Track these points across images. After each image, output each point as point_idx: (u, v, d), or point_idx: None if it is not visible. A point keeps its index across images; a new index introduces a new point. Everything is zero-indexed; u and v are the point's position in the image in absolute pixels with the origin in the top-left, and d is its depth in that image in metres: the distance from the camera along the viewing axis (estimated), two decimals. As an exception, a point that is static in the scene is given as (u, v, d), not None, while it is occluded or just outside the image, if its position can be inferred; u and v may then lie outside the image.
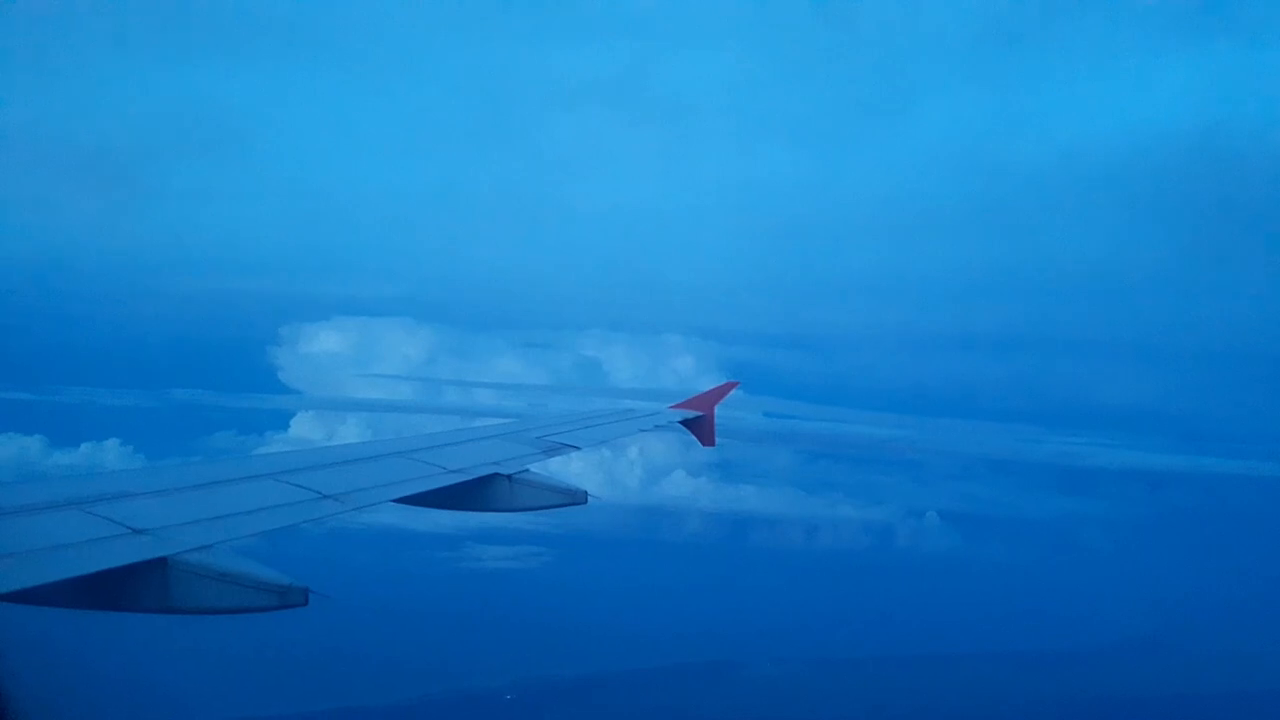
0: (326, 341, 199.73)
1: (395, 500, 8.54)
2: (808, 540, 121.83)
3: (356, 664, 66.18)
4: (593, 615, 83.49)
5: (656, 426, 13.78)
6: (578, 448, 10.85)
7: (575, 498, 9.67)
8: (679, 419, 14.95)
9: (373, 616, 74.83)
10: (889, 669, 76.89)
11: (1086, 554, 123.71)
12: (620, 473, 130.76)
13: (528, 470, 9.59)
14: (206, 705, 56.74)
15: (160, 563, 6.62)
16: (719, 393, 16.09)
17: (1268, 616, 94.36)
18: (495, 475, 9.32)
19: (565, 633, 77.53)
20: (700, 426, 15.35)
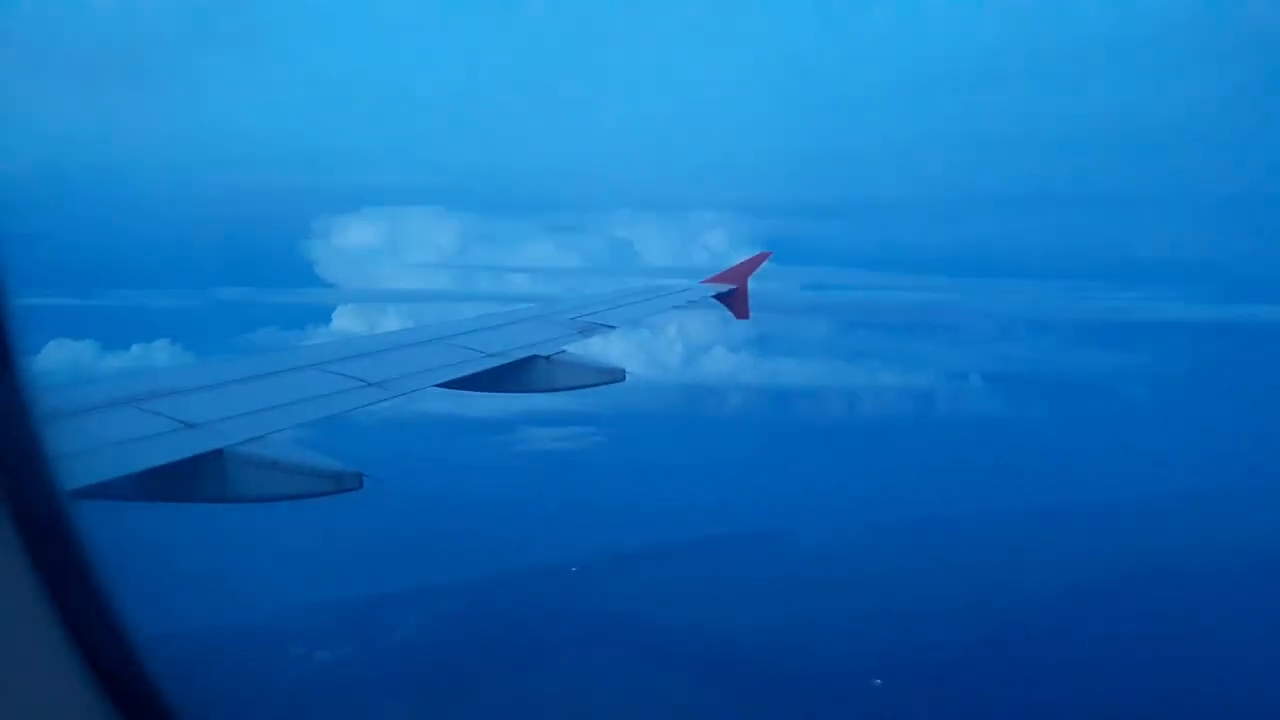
0: (359, 234, 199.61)
1: (437, 385, 8.70)
2: (850, 409, 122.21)
3: (423, 545, 68.50)
4: (646, 490, 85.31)
5: (690, 302, 13.78)
6: (613, 327, 10.95)
7: (613, 376, 9.80)
8: (712, 293, 14.86)
9: (434, 500, 77.07)
10: (937, 530, 78.00)
11: (1132, 409, 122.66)
12: (661, 351, 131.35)
13: (564, 351, 9.71)
14: (283, 588, 59.47)
15: (216, 454, 6.80)
16: (751, 265, 15.92)
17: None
18: (534, 357, 9.45)
19: (621, 507, 79.42)
20: (734, 300, 15.23)
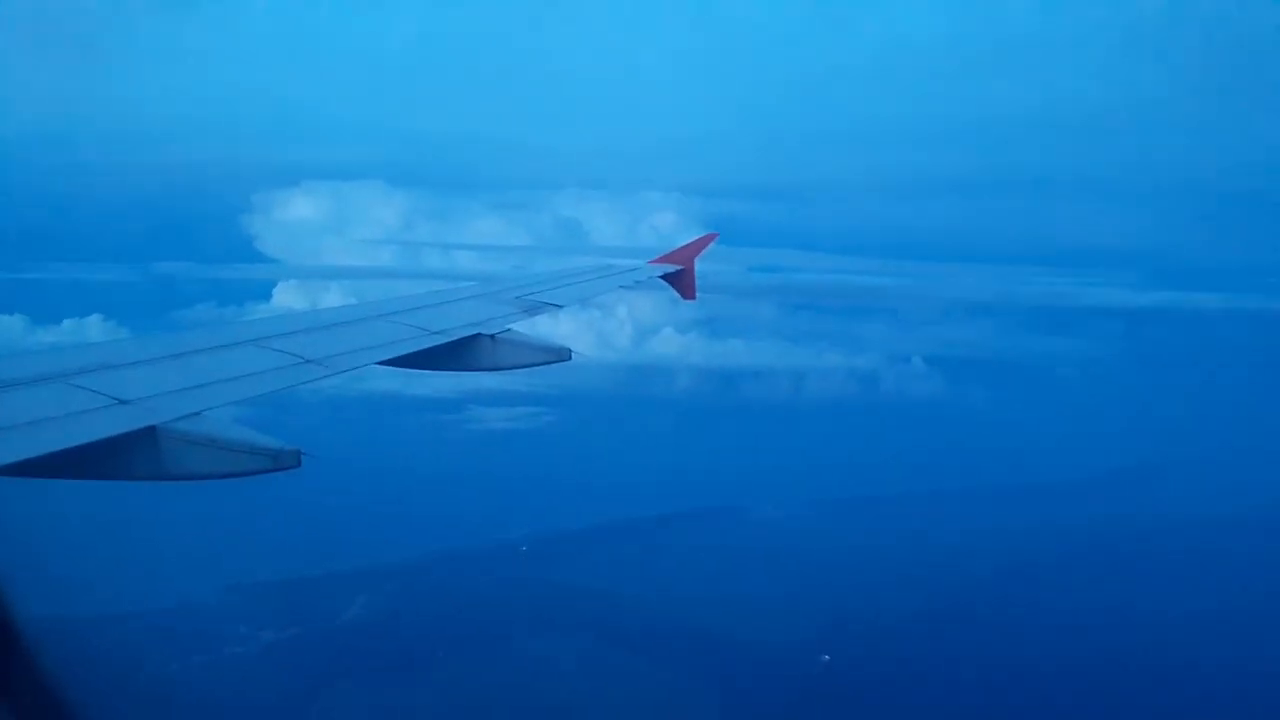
0: (300, 208, 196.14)
1: (379, 363, 8.56)
2: (797, 390, 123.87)
3: (373, 525, 67.99)
4: (597, 469, 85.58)
5: (637, 283, 13.75)
6: (559, 306, 10.89)
7: (559, 355, 9.73)
8: (659, 274, 14.88)
9: (384, 479, 76.55)
10: (886, 507, 79.35)
11: (1069, 391, 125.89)
12: (611, 332, 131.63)
13: (510, 330, 9.63)
14: (227, 568, 58.68)
15: (149, 431, 6.64)
16: (698, 246, 15.98)
17: (1245, 445, 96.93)
18: (478, 335, 9.35)
19: (572, 487, 79.59)
20: (681, 280, 15.30)
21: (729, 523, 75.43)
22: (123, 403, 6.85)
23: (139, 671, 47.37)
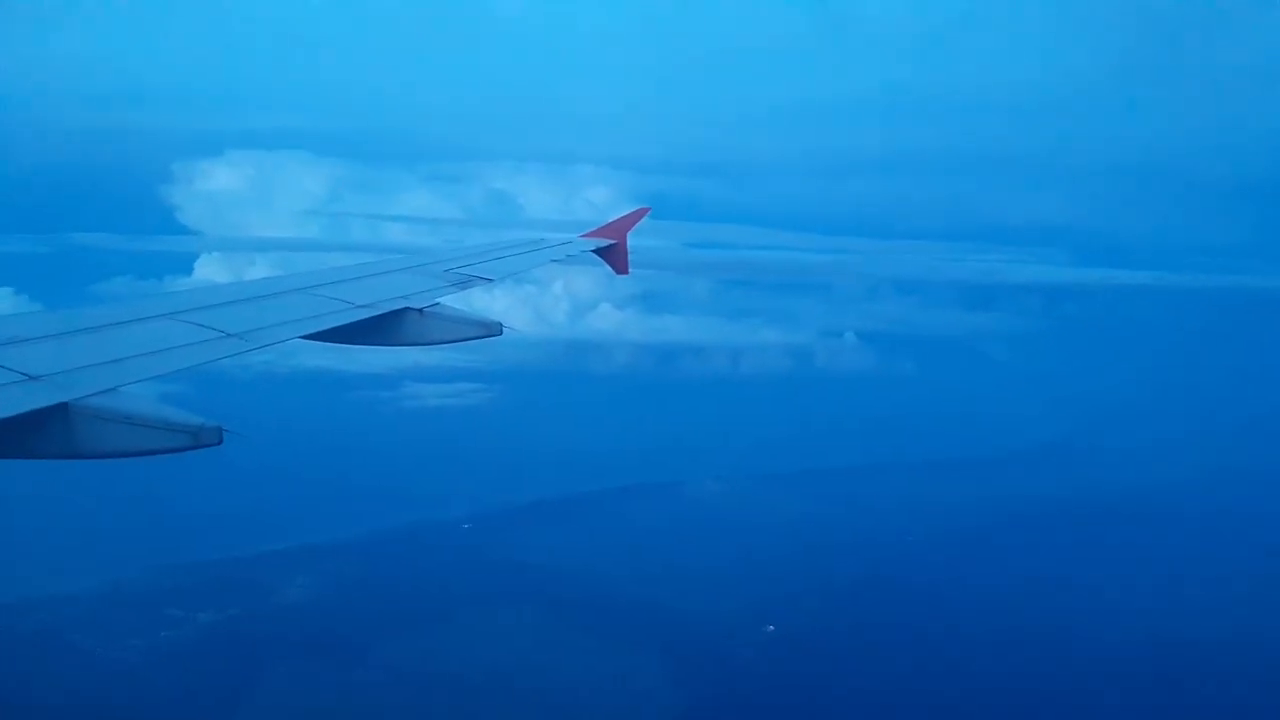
0: (223, 178, 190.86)
1: (303, 337, 8.39)
2: (734, 365, 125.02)
3: (309, 503, 67.08)
4: (537, 446, 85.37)
5: (568, 256, 13.65)
6: (490, 280, 10.75)
7: (490, 329, 9.62)
8: (591, 248, 14.76)
9: (319, 457, 75.54)
10: (824, 480, 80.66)
11: (998, 366, 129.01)
12: (548, 308, 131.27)
13: (439, 303, 9.50)
14: (156, 549, 57.50)
15: (61, 408, 6.45)
16: (630, 220, 15.89)
17: (1165, 419, 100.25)
18: (406, 309, 9.21)
19: (513, 463, 79.40)
20: (613, 255, 15.22)
21: (671, 497, 75.98)
22: (32, 378, 6.64)
23: (74, 657, 46.38)
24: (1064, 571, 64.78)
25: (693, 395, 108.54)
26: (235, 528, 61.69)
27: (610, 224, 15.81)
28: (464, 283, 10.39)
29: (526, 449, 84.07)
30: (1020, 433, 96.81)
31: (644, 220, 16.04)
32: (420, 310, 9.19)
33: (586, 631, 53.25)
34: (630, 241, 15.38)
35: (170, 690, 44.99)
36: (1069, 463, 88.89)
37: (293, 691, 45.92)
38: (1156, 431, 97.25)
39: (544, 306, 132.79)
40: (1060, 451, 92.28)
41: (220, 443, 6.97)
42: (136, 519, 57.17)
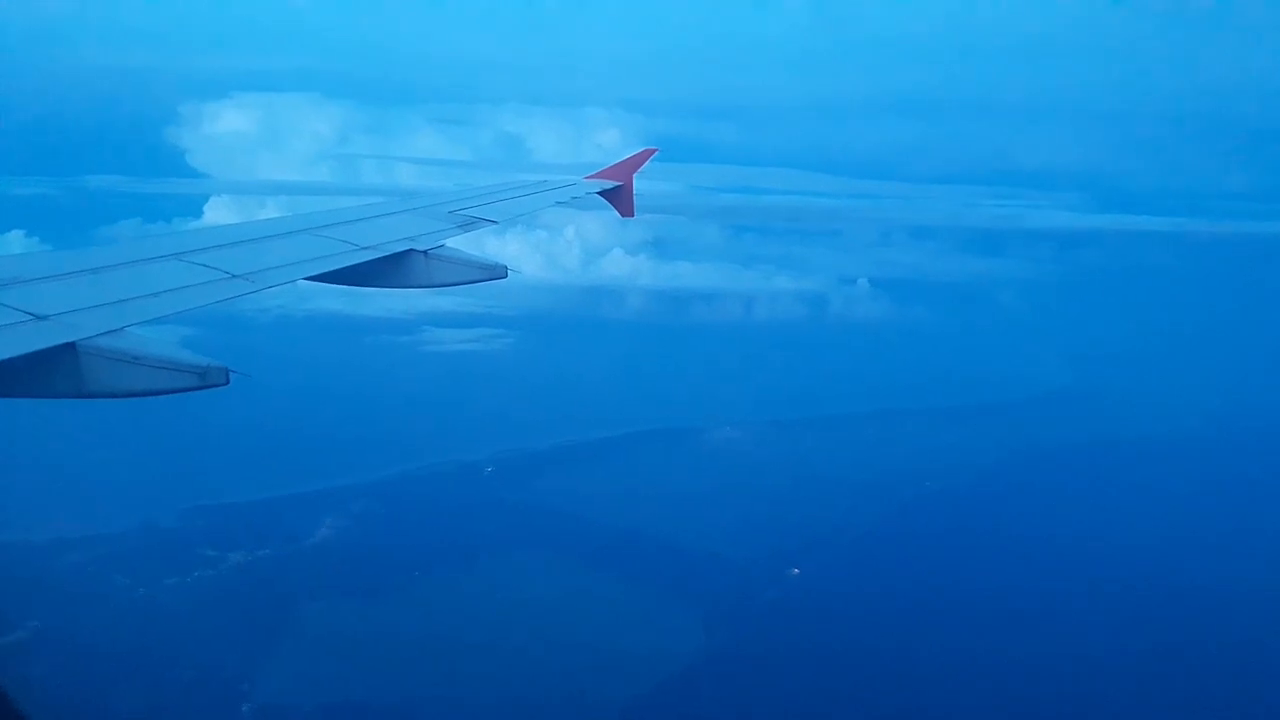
0: (231, 120, 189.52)
1: (308, 278, 8.44)
2: (748, 311, 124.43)
3: (335, 446, 67.85)
4: (556, 391, 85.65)
5: (573, 198, 13.55)
6: (494, 222, 10.72)
7: (494, 272, 9.61)
8: (596, 189, 14.60)
9: (342, 400, 76.27)
10: (839, 426, 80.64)
11: (1013, 313, 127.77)
12: (561, 254, 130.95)
13: (443, 245, 9.50)
14: (185, 491, 58.50)
15: (69, 348, 6.54)
16: (636, 161, 15.68)
17: (1182, 367, 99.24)
18: (410, 251, 9.23)
19: (533, 408, 79.76)
20: (618, 197, 15.05)
21: (689, 443, 76.25)
22: (39, 318, 6.73)
23: (111, 596, 47.53)
24: (1080, 516, 64.93)
25: (707, 341, 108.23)
26: (261, 470, 62.58)
27: (616, 165, 15.64)
28: (469, 224, 10.38)
29: (545, 394, 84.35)
30: (1036, 380, 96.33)
31: (655, 163, 15.85)
32: (425, 252, 9.21)
33: (611, 573, 53.94)
34: (639, 185, 15.22)
35: (208, 626, 46.16)
36: (1085, 409, 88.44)
37: (324, 628, 47.07)
38: (1174, 379, 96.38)
39: (557, 252, 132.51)
40: (1076, 398, 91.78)
41: (227, 383, 7.05)
42: (165, 462, 58.07)
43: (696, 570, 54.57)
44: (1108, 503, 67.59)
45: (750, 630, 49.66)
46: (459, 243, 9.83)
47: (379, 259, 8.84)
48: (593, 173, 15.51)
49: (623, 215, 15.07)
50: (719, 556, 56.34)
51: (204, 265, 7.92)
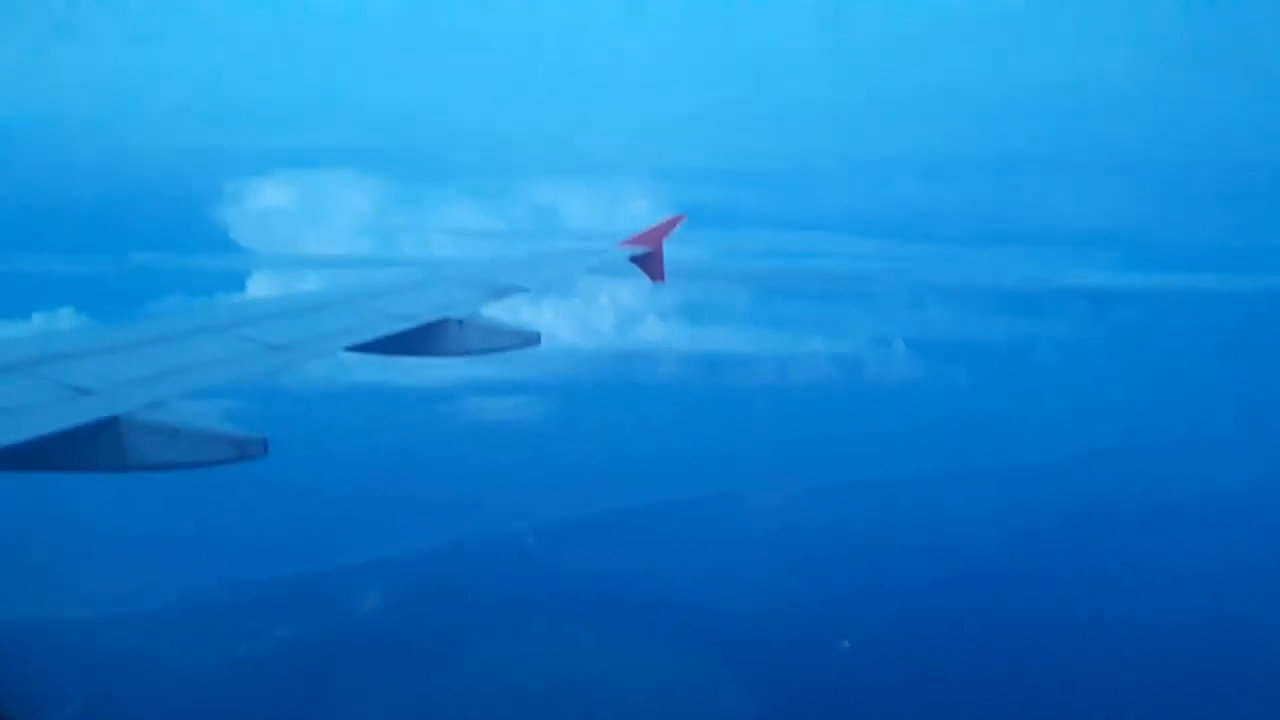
0: (274, 197, 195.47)
1: (346, 349, 8.60)
2: (783, 375, 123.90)
3: (377, 517, 68.16)
4: (595, 457, 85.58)
5: (604, 264, 13.71)
6: (527, 289, 10.89)
7: (528, 339, 9.75)
8: (627, 255, 14.77)
9: (384, 471, 76.76)
10: (882, 490, 79.58)
11: (1053, 373, 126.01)
12: (595, 321, 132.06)
13: (477, 314, 9.65)
14: (227, 563, 58.82)
15: (111, 421, 6.64)
16: (666, 227, 15.79)
17: (1226, 426, 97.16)
18: (446, 320, 9.38)
19: (573, 475, 79.64)
20: (649, 263, 15.13)
21: (730, 508, 75.52)
22: (83, 392, 6.86)
23: (158, 670, 47.69)
24: (1136, 576, 63.26)
25: (744, 405, 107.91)
26: (304, 542, 62.86)
27: (646, 231, 15.81)
28: (502, 292, 10.55)
29: (583, 460, 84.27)
30: (1080, 440, 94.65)
31: (685, 229, 16.01)
32: (459, 320, 9.35)
33: (655, 642, 53.16)
34: (670, 252, 15.38)
35: (256, 701, 46.03)
36: (1132, 470, 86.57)
37: (371, 702, 46.76)
38: (1221, 437, 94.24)
39: (592, 319, 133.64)
40: (1123, 458, 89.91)
41: (265, 454, 7.11)
42: (208, 536, 58.56)
43: (744, 641, 53.59)
44: (1166, 566, 65.75)
45: (803, 706, 48.57)
46: (493, 311, 9.98)
47: (415, 328, 9.00)
48: (623, 239, 15.71)
49: (654, 280, 15.22)
50: (766, 627, 55.34)
51: (243, 338, 8.10)
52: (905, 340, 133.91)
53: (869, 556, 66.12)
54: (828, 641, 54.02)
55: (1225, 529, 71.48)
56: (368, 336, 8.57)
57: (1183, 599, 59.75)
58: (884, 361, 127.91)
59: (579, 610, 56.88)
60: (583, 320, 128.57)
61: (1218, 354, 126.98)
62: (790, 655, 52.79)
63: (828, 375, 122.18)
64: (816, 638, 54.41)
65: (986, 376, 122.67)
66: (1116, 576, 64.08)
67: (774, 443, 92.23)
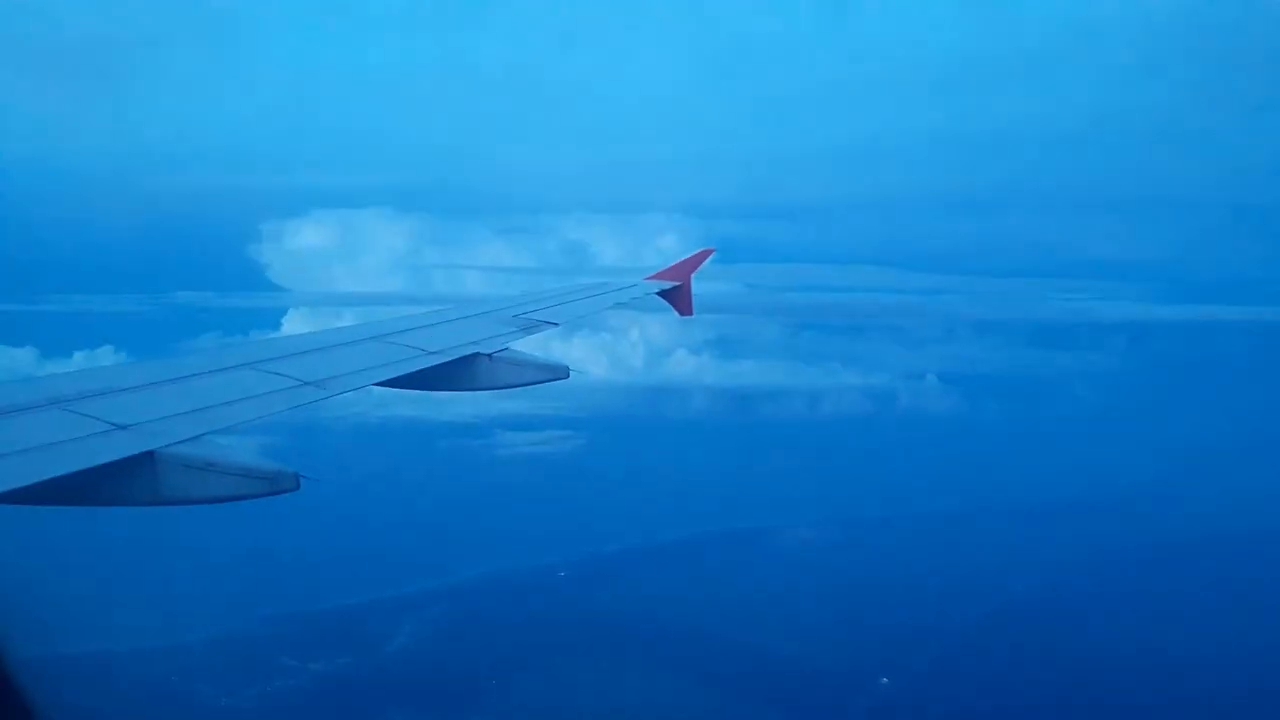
0: (310, 236, 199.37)
1: (377, 384, 8.68)
2: (815, 408, 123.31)
3: (412, 551, 68.37)
4: (628, 491, 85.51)
5: (633, 299, 13.79)
6: (555, 324, 10.98)
7: (557, 373, 9.79)
8: (655, 290, 14.89)
9: (418, 504, 77.06)
10: (917, 525, 78.66)
11: (1087, 406, 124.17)
12: (626, 355, 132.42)
13: (508, 349, 9.73)
14: (260, 598, 59.09)
15: (147, 456, 6.74)
16: (694, 262, 15.92)
17: (1263, 459, 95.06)
18: (476, 355, 9.46)
19: (605, 509, 79.64)
20: (677, 297, 15.27)
21: (763, 543, 75.13)
22: (121, 428, 6.97)
23: (194, 706, 47.94)
24: (1178, 614, 61.89)
25: (775, 439, 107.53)
26: (338, 576, 63.16)
27: (674, 266, 15.92)
28: (532, 327, 10.63)
29: (615, 495, 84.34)
30: (1116, 475, 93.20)
31: (713, 264, 16.10)
32: (489, 355, 9.42)
33: (689, 678, 52.69)
34: (699, 286, 15.45)
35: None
36: (1171, 505, 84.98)
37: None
38: (1255, 472, 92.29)
39: (622, 354, 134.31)
40: (1160, 493, 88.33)
41: (297, 488, 7.18)
42: (243, 570, 58.99)
43: (780, 678, 53.01)
44: (1196, 601, 64.33)
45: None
46: (523, 345, 10.05)
47: (446, 363, 9.08)
48: (651, 274, 15.80)
49: (681, 314, 15.28)
50: (802, 663, 54.68)
51: (277, 373, 8.20)
52: (937, 374, 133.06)
53: (906, 591, 65.25)
54: (867, 678, 53.23)
55: (1261, 568, 69.95)
56: (400, 372, 8.67)
57: (1225, 632, 58.49)
58: (917, 395, 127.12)
59: (612, 644, 56.57)
60: (612, 354, 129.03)
61: (1256, 385, 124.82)
62: (828, 692, 52.06)
63: (860, 409, 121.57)
64: (855, 674, 53.66)
65: (1022, 410, 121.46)
66: (1156, 610, 62.77)
67: (806, 477, 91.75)
